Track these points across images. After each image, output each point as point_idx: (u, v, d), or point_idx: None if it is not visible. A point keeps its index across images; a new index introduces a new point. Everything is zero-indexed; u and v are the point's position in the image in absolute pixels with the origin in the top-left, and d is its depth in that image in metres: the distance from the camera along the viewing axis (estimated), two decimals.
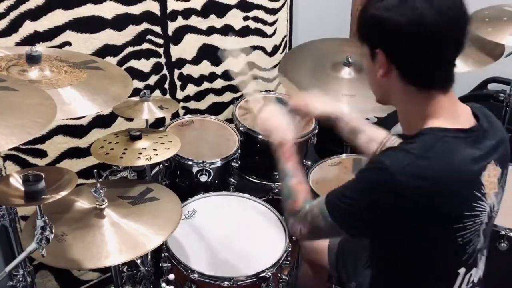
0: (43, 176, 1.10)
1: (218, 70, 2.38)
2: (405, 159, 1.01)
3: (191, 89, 2.33)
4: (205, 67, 2.33)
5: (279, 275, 1.59)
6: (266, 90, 2.55)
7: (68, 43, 1.83)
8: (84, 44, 1.87)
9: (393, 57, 1.05)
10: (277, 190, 2.15)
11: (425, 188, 1.00)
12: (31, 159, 1.87)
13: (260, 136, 2.01)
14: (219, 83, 2.42)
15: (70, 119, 1.91)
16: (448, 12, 1.00)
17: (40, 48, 1.39)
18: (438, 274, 1.13)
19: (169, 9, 2.09)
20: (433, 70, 1.05)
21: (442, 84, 1.07)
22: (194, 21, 2.20)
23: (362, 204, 1.07)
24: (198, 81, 2.33)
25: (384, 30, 1.03)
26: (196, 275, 1.47)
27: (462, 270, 1.13)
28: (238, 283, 1.47)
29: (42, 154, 1.89)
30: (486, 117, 1.14)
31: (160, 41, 2.11)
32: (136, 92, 1.73)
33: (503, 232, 1.60)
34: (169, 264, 1.55)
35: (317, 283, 1.79)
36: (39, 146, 1.87)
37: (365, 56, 1.11)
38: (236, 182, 2.01)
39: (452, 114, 1.08)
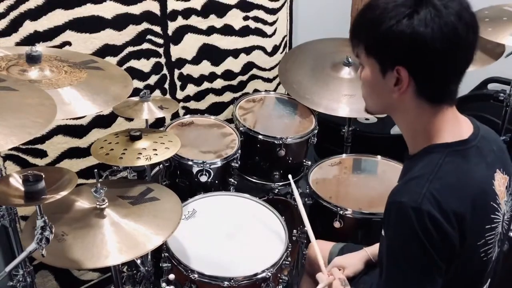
0: (43, 176, 1.10)
1: (218, 70, 2.38)
2: (418, 186, 0.97)
3: (191, 89, 2.32)
4: (205, 67, 2.32)
5: (279, 275, 1.59)
6: (266, 90, 2.55)
7: (68, 43, 1.83)
8: (84, 44, 1.87)
9: (416, 73, 1.00)
10: (277, 190, 2.15)
11: (449, 210, 0.96)
12: (31, 159, 1.86)
13: (260, 136, 2.01)
14: (219, 83, 2.41)
15: (70, 119, 1.90)
16: (471, 24, 0.99)
17: (40, 48, 1.40)
18: None
19: (169, 9, 2.09)
20: (450, 83, 1.05)
21: (452, 97, 1.06)
22: (194, 21, 2.20)
23: (408, 257, 0.99)
24: (198, 81, 2.33)
25: (413, 47, 0.97)
26: (196, 275, 1.47)
27: (485, 286, 1.16)
28: (238, 283, 1.46)
29: (42, 154, 1.89)
30: (480, 125, 1.13)
31: (160, 41, 2.11)
32: (136, 92, 1.73)
33: None
34: (169, 264, 1.55)
35: None
36: (39, 146, 1.87)
37: (370, 70, 1.06)
38: (236, 182, 2.00)
39: (455, 126, 1.07)
